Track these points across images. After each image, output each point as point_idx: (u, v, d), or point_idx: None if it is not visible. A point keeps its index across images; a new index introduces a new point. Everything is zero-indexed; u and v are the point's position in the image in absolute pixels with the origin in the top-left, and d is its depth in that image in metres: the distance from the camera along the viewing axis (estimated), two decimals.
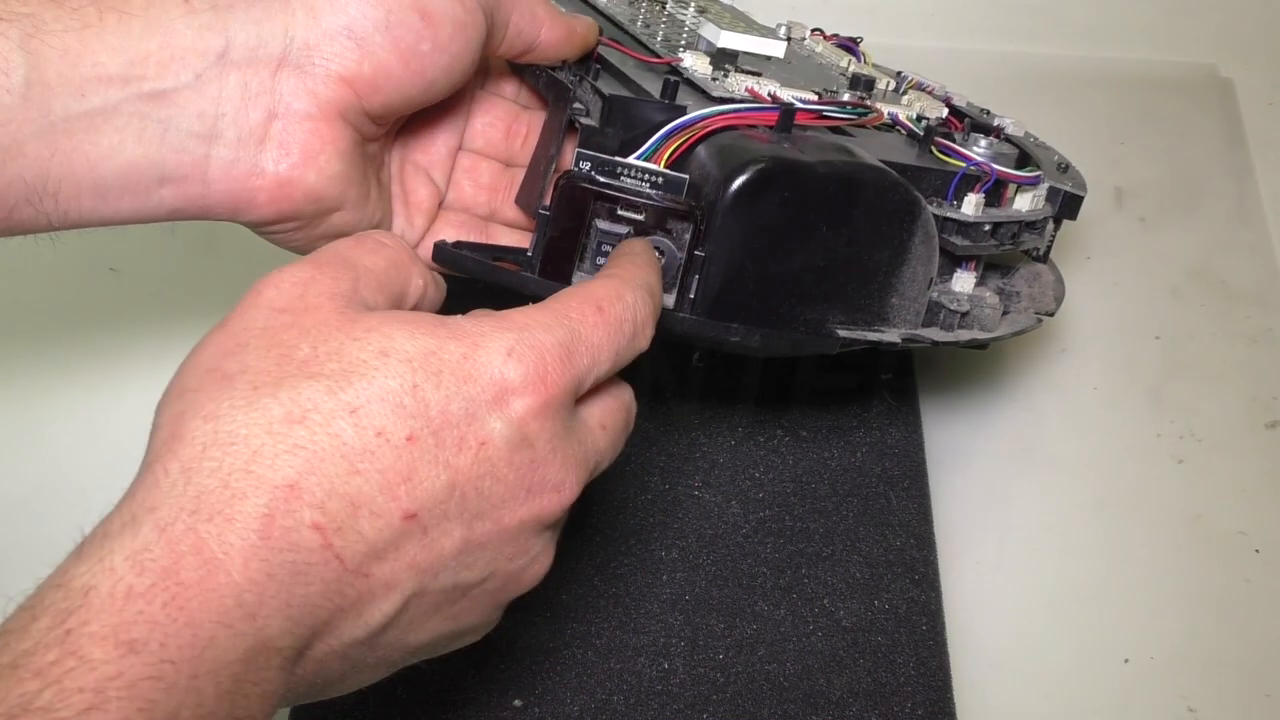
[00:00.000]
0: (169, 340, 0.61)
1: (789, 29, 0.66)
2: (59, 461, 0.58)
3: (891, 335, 0.49)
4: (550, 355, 0.34)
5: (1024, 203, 0.53)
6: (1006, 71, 0.85)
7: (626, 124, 0.46)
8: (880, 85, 0.59)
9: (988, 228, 0.51)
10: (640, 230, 0.43)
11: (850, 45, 0.65)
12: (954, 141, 0.53)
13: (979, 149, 0.53)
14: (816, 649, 0.50)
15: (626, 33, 0.57)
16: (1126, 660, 0.53)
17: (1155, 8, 0.89)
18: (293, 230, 0.42)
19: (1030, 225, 0.54)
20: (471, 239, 0.48)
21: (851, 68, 0.62)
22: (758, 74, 0.53)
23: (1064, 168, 0.58)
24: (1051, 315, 0.55)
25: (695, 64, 0.52)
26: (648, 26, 0.58)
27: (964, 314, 0.51)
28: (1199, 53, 0.88)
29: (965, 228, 0.50)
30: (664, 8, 0.64)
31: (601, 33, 0.52)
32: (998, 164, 0.52)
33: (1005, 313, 0.54)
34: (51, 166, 0.37)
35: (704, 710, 0.49)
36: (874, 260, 0.47)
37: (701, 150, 0.45)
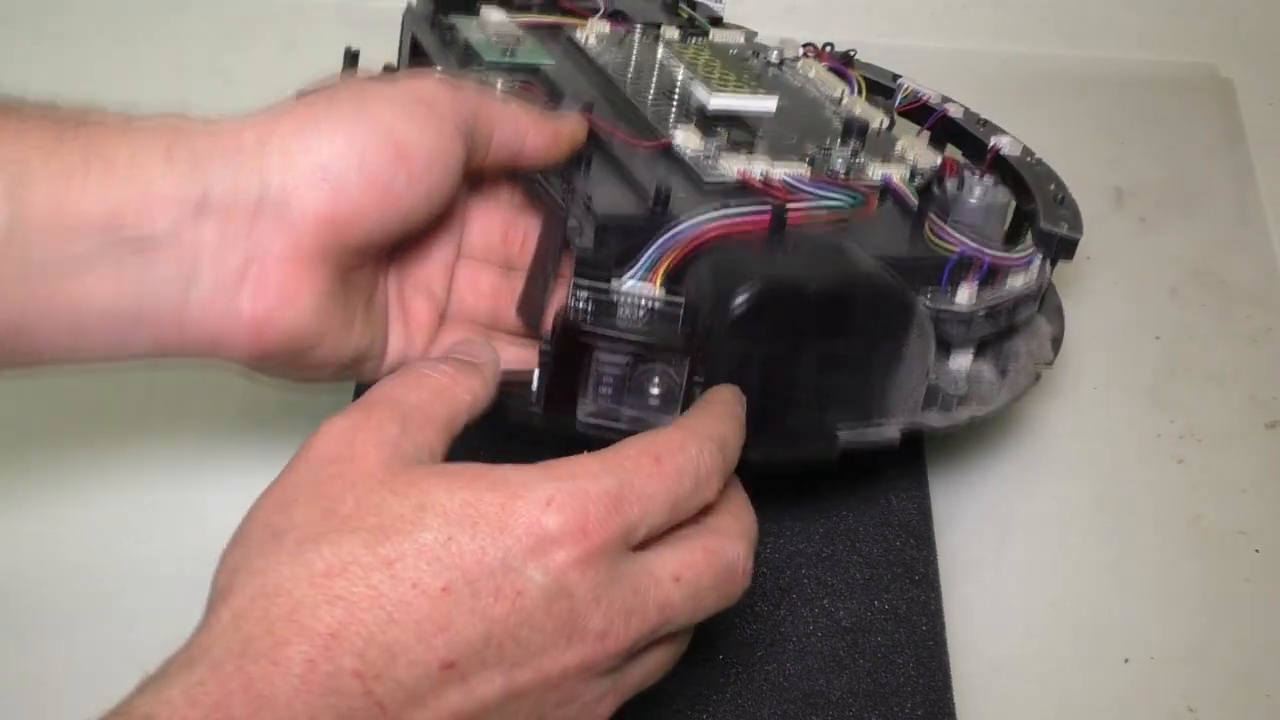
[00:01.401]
0: None
1: (781, 52, 0.66)
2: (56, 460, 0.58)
3: (891, 431, 0.49)
4: (594, 505, 0.34)
5: (1018, 279, 0.52)
6: (1007, 72, 0.85)
7: (622, 237, 0.46)
8: (874, 124, 0.58)
9: (982, 313, 0.51)
10: (639, 359, 0.43)
11: (843, 69, 0.64)
12: (948, 189, 0.53)
13: (973, 201, 0.52)
14: (816, 649, 0.50)
15: (617, 88, 0.57)
16: (1126, 660, 0.53)
17: (1155, 8, 0.89)
18: (274, 366, 0.43)
19: (1026, 298, 0.53)
20: None
21: (844, 99, 0.61)
22: (750, 141, 0.53)
23: (1060, 199, 0.57)
24: (1050, 365, 0.55)
25: (686, 141, 0.52)
26: (639, 78, 0.58)
27: (962, 396, 0.51)
28: (1199, 53, 0.88)
29: (960, 318, 0.50)
30: (656, 40, 0.63)
31: (592, 108, 0.52)
32: (992, 218, 0.52)
33: (1004, 372, 0.54)
34: (28, 310, 0.38)
35: (704, 710, 0.49)
36: (870, 362, 0.48)
37: (697, 264, 0.46)
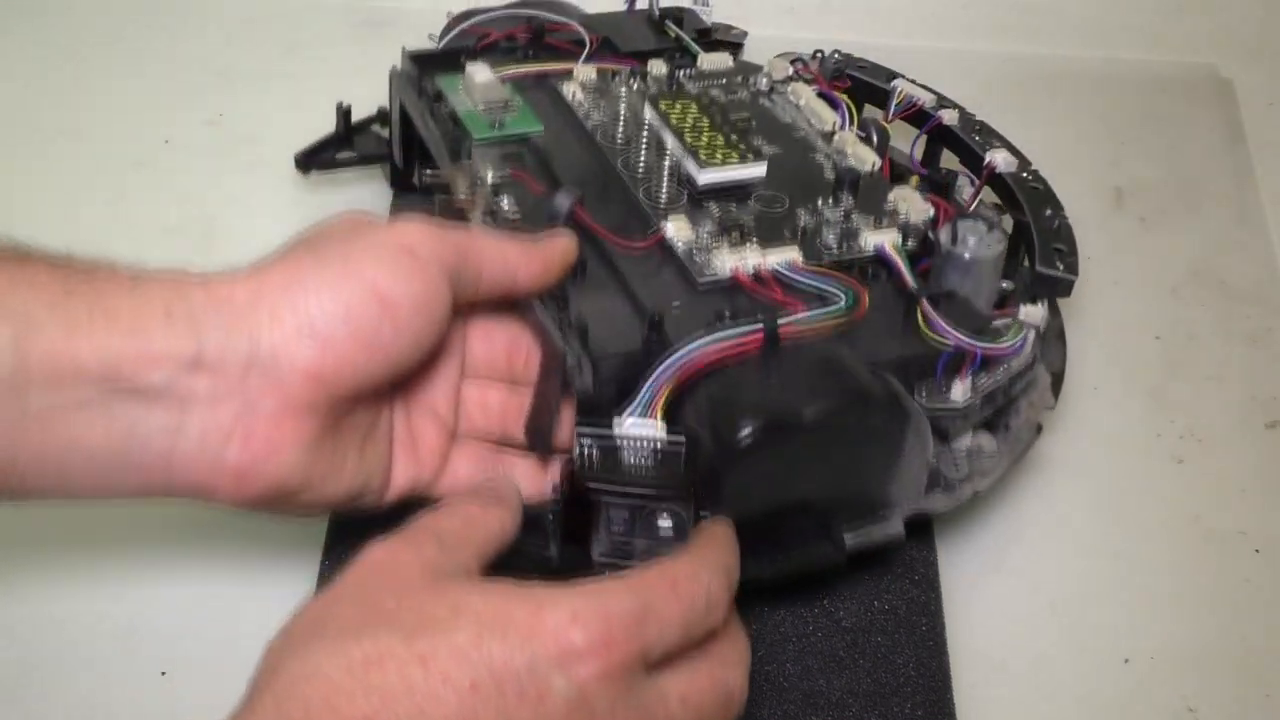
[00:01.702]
0: None
1: (770, 76, 0.65)
2: None
3: (895, 525, 0.49)
4: (617, 623, 0.36)
5: (1014, 360, 0.52)
6: (1007, 72, 0.85)
7: (620, 367, 0.47)
8: (866, 168, 0.58)
9: (979, 404, 0.51)
10: (647, 501, 0.44)
11: (832, 95, 0.63)
12: (942, 242, 0.53)
13: (969, 249, 0.52)
14: (816, 649, 0.50)
15: (606, 158, 0.57)
16: (1126, 660, 0.53)
17: (1155, 8, 0.89)
18: (260, 508, 0.43)
19: (1024, 371, 0.53)
20: (486, 470, 0.49)
21: (836, 135, 0.61)
22: (740, 222, 0.53)
23: (1056, 226, 0.56)
24: (1051, 409, 0.55)
25: (678, 234, 0.53)
26: (628, 145, 0.58)
27: (964, 477, 0.52)
28: (1199, 53, 0.88)
29: (957, 413, 0.50)
30: (644, 79, 0.63)
31: (582, 201, 0.52)
32: (986, 270, 0.52)
33: (1007, 427, 0.54)
34: (20, 451, 0.39)
35: None
36: (869, 467, 0.48)
37: (695, 393, 0.46)
